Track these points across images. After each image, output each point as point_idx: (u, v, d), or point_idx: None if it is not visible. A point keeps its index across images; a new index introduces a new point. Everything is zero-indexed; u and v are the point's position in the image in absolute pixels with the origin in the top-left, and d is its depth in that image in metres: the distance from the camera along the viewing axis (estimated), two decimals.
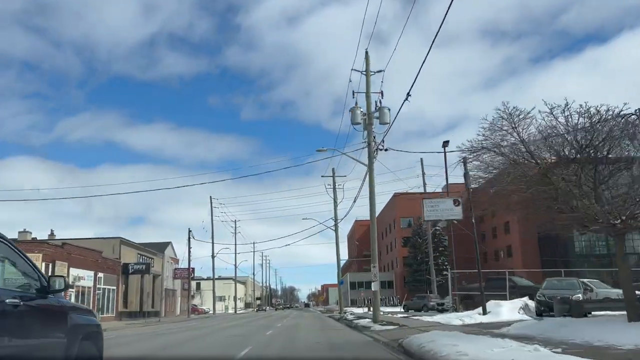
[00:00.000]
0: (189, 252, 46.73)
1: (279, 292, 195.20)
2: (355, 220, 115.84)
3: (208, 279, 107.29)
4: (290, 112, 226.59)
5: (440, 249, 77.21)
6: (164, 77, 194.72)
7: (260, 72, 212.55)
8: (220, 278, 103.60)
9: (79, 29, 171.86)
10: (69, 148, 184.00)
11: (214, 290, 65.91)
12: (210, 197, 61.28)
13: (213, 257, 60.02)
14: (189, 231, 46.99)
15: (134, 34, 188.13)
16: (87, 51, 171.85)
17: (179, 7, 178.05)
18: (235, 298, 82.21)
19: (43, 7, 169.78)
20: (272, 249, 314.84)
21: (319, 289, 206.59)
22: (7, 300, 4.11)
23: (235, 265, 78.66)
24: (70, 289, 28.23)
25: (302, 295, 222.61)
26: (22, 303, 4.35)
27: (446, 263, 78.03)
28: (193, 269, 54.29)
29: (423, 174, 43.27)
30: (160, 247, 54.87)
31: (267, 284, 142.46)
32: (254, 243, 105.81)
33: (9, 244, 4.66)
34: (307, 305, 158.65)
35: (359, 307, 79.01)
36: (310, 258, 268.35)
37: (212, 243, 60.10)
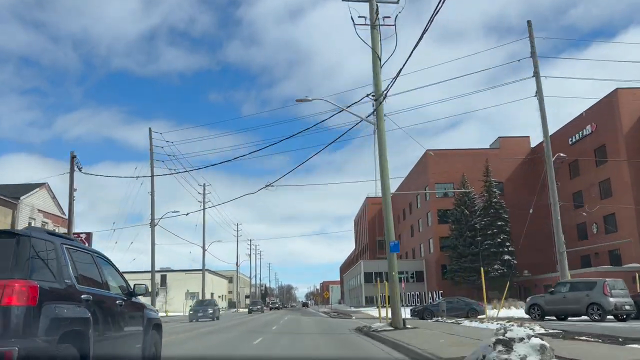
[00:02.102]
0: (71, 198, 23.25)
1: (276, 291, 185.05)
2: (367, 198, 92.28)
3: (177, 270, 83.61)
4: (291, 108, 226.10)
5: (499, 223, 53.80)
6: (164, 73, 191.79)
7: (262, 68, 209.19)
8: (192, 270, 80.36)
9: (77, 24, 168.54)
10: (67, 145, 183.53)
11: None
12: (150, 128, 37.73)
13: (153, 226, 36.50)
14: (72, 157, 23.26)
15: (134, 28, 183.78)
16: (86, 46, 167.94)
17: (180, 0, 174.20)
18: (202, 294, 58.65)
19: (41, 0, 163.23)
20: (263, 242, 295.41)
21: (318, 287, 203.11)
22: (117, 302, 6.44)
23: (203, 249, 55.16)
24: None
25: (300, 294, 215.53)
26: (122, 303, 6.59)
27: (508, 243, 54.83)
28: (88, 234, 30.11)
29: None
30: (15, 191, 29.99)
31: (258, 279, 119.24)
32: (237, 225, 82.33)
33: (111, 264, 6.90)
34: (305, 305, 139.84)
35: (374, 306, 56.26)
36: (309, 257, 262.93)
37: (152, 204, 36.83)
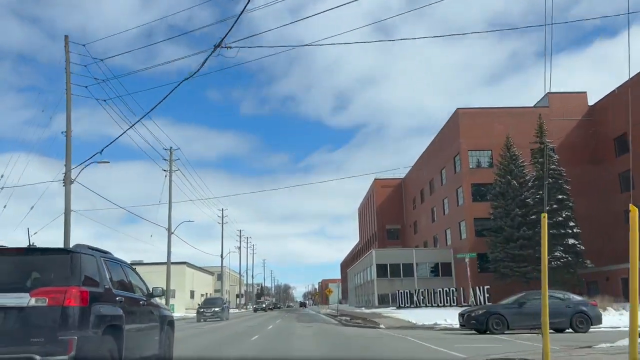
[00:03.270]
0: None
1: (272, 290, 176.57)
2: (375, 180, 79.02)
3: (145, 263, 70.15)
4: (291, 106, 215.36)
5: (560, 196, 40.60)
6: (162, 70, 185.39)
7: (261, 65, 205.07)
8: (159, 264, 67.09)
9: (74, 20, 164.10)
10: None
11: None
12: None
13: (69, 183, 23.20)
14: None
15: (132, 25, 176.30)
16: (84, 43, 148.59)
17: None
18: (167, 292, 45.23)
19: None
20: (261, 242, 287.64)
21: (316, 287, 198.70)
22: (140, 302, 7.51)
23: (169, 232, 41.76)
24: None
25: (298, 293, 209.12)
26: (144, 303, 7.71)
27: (572, 223, 41.60)
28: None
29: None
30: None
31: (250, 276, 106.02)
32: (222, 210, 68.99)
33: (134, 270, 8.06)
34: (303, 305, 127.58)
35: (390, 306, 43.94)
36: (307, 257, 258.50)
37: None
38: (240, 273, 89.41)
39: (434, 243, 58.87)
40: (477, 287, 38.60)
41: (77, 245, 6.50)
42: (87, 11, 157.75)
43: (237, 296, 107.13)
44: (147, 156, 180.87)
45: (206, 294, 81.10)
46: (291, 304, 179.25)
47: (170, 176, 42.33)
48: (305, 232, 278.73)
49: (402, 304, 43.00)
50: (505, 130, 46.11)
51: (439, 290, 41.78)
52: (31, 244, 7.60)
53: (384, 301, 51.75)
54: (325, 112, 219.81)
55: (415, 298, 42.44)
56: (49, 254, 6.23)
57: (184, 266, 67.08)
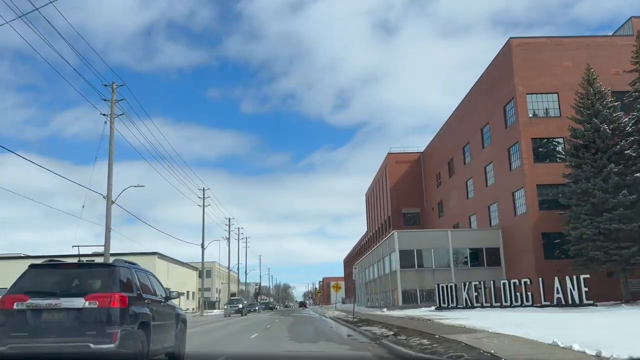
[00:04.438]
0: None
1: (271, 290, 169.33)
2: (388, 155, 66.18)
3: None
4: (292, 105, 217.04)
5: None
6: (162, 68, 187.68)
7: (262, 63, 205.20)
8: (121, 254, 54.42)
9: (73, 17, 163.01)
10: (64, 143, 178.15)
11: None
12: None
13: None
14: None
15: (131, 22, 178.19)
16: (82, 41, 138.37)
17: None
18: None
19: None
20: (260, 242, 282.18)
21: (316, 286, 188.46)
22: (161, 303, 9.00)
23: (108, 200, 28.86)
24: None
25: (298, 293, 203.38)
26: (164, 304, 9.18)
27: None
28: None
29: None
30: None
31: (241, 270, 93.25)
32: (204, 189, 56.24)
33: (155, 277, 9.64)
34: (303, 304, 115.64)
35: (421, 306, 32.32)
36: (307, 257, 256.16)
37: None
38: (229, 268, 76.36)
39: (469, 224, 46.00)
40: (567, 278, 25.70)
41: (116, 260, 8.57)
42: (86, 9, 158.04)
43: (232, 295, 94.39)
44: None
45: (187, 292, 68.19)
46: (290, 303, 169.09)
47: (112, 122, 29.59)
48: (305, 232, 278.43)
49: (444, 303, 30.15)
50: (576, 68, 33.49)
51: (503, 284, 28.79)
52: (79, 259, 9.09)
53: (410, 299, 38.94)
54: (326, 110, 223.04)
55: (463, 295, 29.53)
56: (96, 267, 8.46)
57: (154, 257, 54.32)
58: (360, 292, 67.91)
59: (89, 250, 26.64)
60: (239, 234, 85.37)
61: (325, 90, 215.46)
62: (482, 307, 28.61)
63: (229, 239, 76.50)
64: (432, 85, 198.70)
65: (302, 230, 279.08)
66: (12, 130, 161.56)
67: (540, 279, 27.64)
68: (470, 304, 29.10)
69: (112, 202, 28.66)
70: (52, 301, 7.11)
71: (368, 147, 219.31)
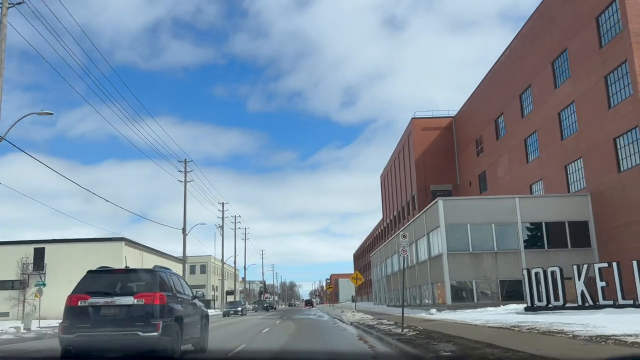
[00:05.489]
0: None
1: (277, 288, 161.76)
2: (413, 121, 54.43)
3: (66, 240, 45.88)
4: (298, 103, 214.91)
5: None
6: (168, 67, 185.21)
7: (268, 61, 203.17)
8: (92, 240, 43.39)
9: (79, 15, 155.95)
10: (71, 143, 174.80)
11: None
12: None
13: None
14: None
15: (137, 20, 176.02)
16: (88, 40, 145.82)
17: None
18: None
19: None
20: (267, 241, 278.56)
21: (323, 284, 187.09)
22: (190, 301, 10.61)
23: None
24: None
25: (304, 292, 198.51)
26: (192, 301, 10.89)
27: None
28: None
29: None
30: None
31: (242, 265, 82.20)
32: (185, 161, 44.79)
33: (184, 279, 11.50)
34: (309, 303, 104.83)
35: (488, 305, 20.28)
36: (313, 255, 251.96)
37: None
38: (222, 260, 64.90)
39: (530, 189, 34.20)
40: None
41: (156, 266, 10.13)
42: (92, 6, 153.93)
43: (228, 292, 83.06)
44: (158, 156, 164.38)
45: None
46: (296, 302, 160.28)
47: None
48: (311, 231, 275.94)
49: (539, 300, 18.40)
50: None
51: (534, 273, 17.10)
52: (126, 266, 11.43)
53: (460, 296, 27.25)
54: (333, 108, 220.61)
55: (578, 287, 17.74)
56: (141, 272, 9.99)
57: (120, 244, 42.86)
58: (379, 289, 56.22)
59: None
60: (235, 222, 74.13)
61: (332, 87, 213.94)
62: (594, 306, 17.02)
63: (222, 226, 65.22)
64: (440, 81, 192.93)
65: (308, 229, 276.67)
66: (20, 131, 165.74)
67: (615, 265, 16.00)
68: (587, 302, 17.37)
69: None
70: (108, 299, 8.92)
71: (375, 144, 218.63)
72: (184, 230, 47.03)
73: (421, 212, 33.80)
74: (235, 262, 72.96)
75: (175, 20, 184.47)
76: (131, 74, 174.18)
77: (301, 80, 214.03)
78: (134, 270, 10.03)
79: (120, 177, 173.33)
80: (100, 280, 9.38)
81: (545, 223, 28.07)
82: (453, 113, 52.69)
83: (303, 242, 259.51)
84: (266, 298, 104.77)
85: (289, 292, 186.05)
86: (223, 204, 65.05)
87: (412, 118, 53.70)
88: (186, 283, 11.44)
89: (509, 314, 18.34)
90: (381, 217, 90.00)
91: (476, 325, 14.66)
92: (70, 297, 8.96)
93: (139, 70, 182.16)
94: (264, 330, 18.53)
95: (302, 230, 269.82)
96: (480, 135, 44.66)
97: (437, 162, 51.70)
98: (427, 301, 32.29)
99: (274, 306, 78.56)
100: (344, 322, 23.53)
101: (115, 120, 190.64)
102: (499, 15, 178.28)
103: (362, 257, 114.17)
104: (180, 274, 47.45)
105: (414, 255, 35.94)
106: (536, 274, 18.56)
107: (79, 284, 9.24)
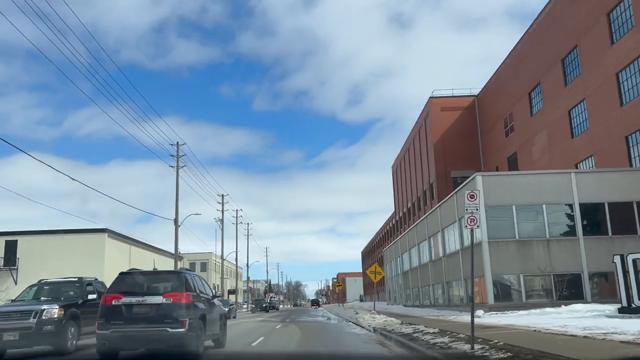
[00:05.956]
0: None
1: (283, 288, 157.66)
2: (431, 100, 49.22)
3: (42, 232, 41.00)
4: (304, 102, 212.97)
5: None
6: (174, 66, 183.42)
7: (275, 59, 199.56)
8: (72, 231, 38.62)
9: (85, 15, 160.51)
10: (78, 143, 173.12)
11: None
12: None
13: None
14: None
15: (142, 19, 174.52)
16: (94, 39, 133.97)
17: None
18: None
19: None
20: (272, 240, 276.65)
21: (329, 284, 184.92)
22: (210, 301, 11.29)
23: None
24: None
25: (310, 292, 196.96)
26: (212, 300, 11.52)
27: None
28: None
29: None
30: None
31: (243, 260, 77.17)
32: (178, 144, 39.83)
33: (205, 281, 12.28)
34: (315, 303, 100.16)
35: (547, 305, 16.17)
36: (319, 255, 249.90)
37: None
38: (222, 256, 59.86)
39: (586, 163, 28.89)
40: None
41: (181, 269, 11.92)
42: (98, 6, 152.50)
43: (230, 292, 78.09)
44: (155, 155, 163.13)
45: None
46: (302, 302, 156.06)
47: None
48: (317, 230, 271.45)
49: (637, 298, 13.18)
50: None
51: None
52: (154, 268, 13.11)
53: (505, 295, 22.08)
54: (339, 106, 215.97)
55: None
56: (168, 273, 11.25)
57: (102, 236, 37.85)
58: (394, 287, 51.07)
59: None
60: (237, 216, 69.11)
61: (338, 86, 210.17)
62: None
63: (222, 220, 60.26)
64: (448, 79, 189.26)
65: (314, 228, 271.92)
66: (25, 130, 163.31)
67: None
68: None
69: None
70: (140, 298, 9.65)
71: (381, 143, 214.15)
72: (175, 221, 41.94)
73: (451, 194, 28.46)
74: (237, 259, 67.98)
75: (180, 20, 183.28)
76: (137, 74, 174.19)
77: (307, 79, 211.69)
78: (162, 272, 11.72)
79: (126, 177, 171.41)
80: (132, 281, 10.29)
81: (608, 204, 22.76)
82: (475, 92, 47.44)
83: (308, 241, 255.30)
84: (271, 297, 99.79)
85: (294, 291, 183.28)
86: (223, 195, 60.17)
87: (430, 97, 48.41)
88: (207, 283, 12.31)
89: (597, 318, 13.20)
90: (389, 214, 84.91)
91: (575, 336, 9.52)
92: (105, 297, 9.93)
93: (145, 69, 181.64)
94: (255, 342, 13.45)
95: (308, 229, 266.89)
96: (509, 112, 39.38)
97: (458, 146, 46.43)
98: (458, 301, 27.10)
99: (275, 306, 68.86)
100: (362, 326, 18.43)
101: (123, 120, 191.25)
102: (507, 12, 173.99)
103: (370, 254, 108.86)
104: (169, 266, 42.60)
105: (439, 246, 30.68)
106: (635, 261, 13.31)
107: (112, 284, 10.24)
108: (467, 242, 25.24)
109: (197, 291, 10.56)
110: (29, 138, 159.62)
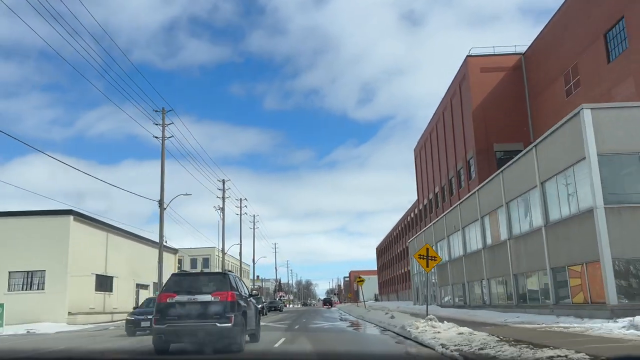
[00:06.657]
0: None
1: (293, 287, 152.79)
2: (468, 59, 41.11)
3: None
4: (315, 100, 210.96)
5: None
6: (185, 65, 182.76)
7: (285, 58, 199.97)
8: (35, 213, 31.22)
9: (96, 15, 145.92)
10: (90, 143, 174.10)
11: None
12: None
13: None
14: None
15: (153, 18, 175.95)
16: (106, 39, 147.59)
17: None
18: None
19: None
20: (283, 240, 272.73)
21: (341, 283, 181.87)
22: (248, 299, 13.19)
23: None
24: None
25: (320, 291, 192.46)
26: (249, 299, 13.35)
27: None
28: None
29: None
30: None
31: (248, 254, 69.29)
32: (163, 110, 32.35)
33: (242, 280, 13.97)
34: (327, 302, 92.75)
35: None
36: (330, 255, 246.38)
37: None
38: (223, 250, 52.24)
39: None
40: None
41: (226, 270, 16.07)
42: (108, 6, 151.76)
43: None
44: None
45: (153, 283, 43.93)
46: (312, 301, 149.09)
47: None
48: (328, 230, 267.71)
49: None
50: None
51: None
52: (202, 270, 23.89)
53: (637, 290, 14.05)
54: (350, 105, 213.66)
55: None
56: (215, 275, 13.04)
57: (67, 219, 30.34)
58: (426, 283, 43.15)
59: None
60: (240, 206, 61.60)
61: (349, 84, 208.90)
62: None
63: (223, 208, 52.75)
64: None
65: (324, 228, 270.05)
66: (38, 131, 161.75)
67: None
68: None
69: None
70: (191, 297, 11.10)
71: (393, 142, 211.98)
72: (160, 203, 34.56)
73: (541, 137, 20.56)
74: (241, 252, 60.30)
75: (191, 19, 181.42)
76: (148, 73, 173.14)
77: (318, 77, 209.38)
78: (210, 273, 15.13)
79: (139, 176, 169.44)
80: (183, 281, 11.87)
81: None
82: (521, 50, 39.42)
83: (319, 240, 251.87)
84: (281, 297, 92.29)
85: (305, 290, 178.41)
86: (224, 181, 52.72)
87: (467, 56, 40.39)
88: (244, 283, 14.01)
89: None
90: (401, 213, 76.92)
91: None
92: (160, 295, 11.62)
93: (156, 68, 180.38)
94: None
95: (318, 229, 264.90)
96: (574, 64, 31.30)
97: (502, 114, 38.41)
98: (537, 300, 19.19)
99: (278, 307, 55.66)
100: (426, 345, 10.76)
101: (135, 118, 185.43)
102: (519, 9, 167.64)
103: (386, 251, 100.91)
104: (156, 259, 35.08)
105: (500, 227, 22.78)
106: None
107: (166, 284, 11.95)
108: (555, 214, 17.28)
109: (239, 290, 12.24)
110: (42, 138, 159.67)
